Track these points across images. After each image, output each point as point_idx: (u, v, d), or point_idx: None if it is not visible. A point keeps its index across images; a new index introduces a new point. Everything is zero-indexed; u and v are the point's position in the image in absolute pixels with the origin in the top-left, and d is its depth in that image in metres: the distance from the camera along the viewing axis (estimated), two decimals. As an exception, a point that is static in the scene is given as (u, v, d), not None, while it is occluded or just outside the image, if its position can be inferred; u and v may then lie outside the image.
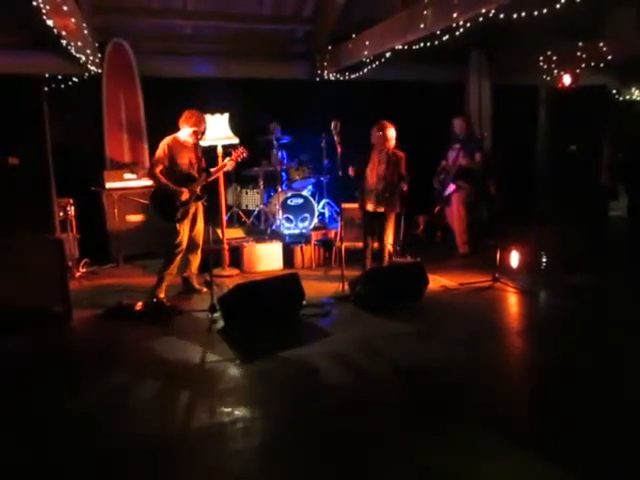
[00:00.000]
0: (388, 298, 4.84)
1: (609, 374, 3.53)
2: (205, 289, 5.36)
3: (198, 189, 5.10)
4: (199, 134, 5.13)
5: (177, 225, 5.04)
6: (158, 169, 4.93)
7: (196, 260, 5.41)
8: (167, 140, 5.04)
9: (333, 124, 5.15)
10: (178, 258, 5.16)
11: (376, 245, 5.64)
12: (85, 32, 5.56)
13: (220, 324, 4.48)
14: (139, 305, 4.78)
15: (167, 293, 5.20)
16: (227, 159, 5.33)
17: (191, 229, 5.23)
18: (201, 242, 5.34)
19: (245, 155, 5.35)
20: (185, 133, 5.07)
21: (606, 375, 3.52)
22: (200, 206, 5.24)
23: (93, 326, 4.56)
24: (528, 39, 7.22)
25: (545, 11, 4.60)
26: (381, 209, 5.49)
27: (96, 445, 2.84)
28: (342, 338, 4.22)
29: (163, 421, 3.03)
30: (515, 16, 4.82)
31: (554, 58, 7.64)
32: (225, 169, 5.39)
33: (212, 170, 5.27)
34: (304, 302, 4.74)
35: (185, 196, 4.99)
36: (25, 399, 3.36)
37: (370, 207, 5.51)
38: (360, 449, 2.76)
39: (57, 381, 3.59)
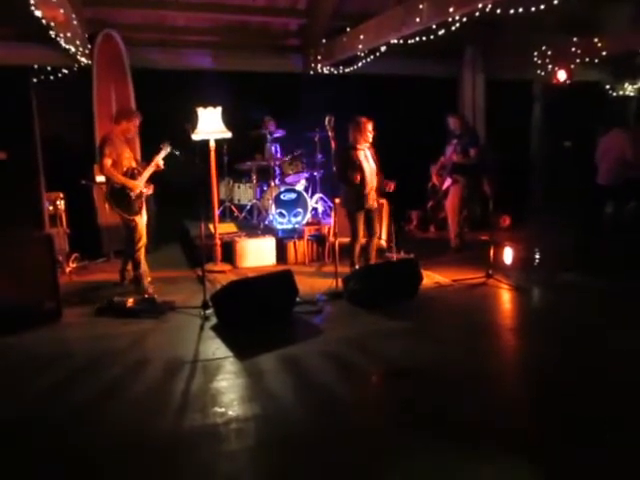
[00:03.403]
0: (382, 295, 4.81)
1: (605, 371, 3.53)
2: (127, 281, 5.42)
3: (145, 181, 5.16)
4: (133, 129, 5.23)
5: (136, 218, 5.11)
6: (109, 164, 4.97)
7: None
8: (108, 136, 5.10)
9: (327, 119, 5.08)
10: (142, 251, 5.22)
11: (364, 241, 5.59)
12: (75, 23, 5.45)
13: (213, 321, 4.44)
14: (130, 301, 4.72)
15: (154, 287, 5.19)
16: (156, 158, 5.18)
17: None
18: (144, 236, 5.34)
19: (168, 150, 5.17)
20: (122, 128, 5.15)
21: (603, 373, 3.52)
22: (143, 199, 5.26)
23: (84, 323, 4.50)
24: (522, 34, 7.20)
25: (542, 7, 4.56)
26: (375, 205, 5.48)
27: (86, 444, 2.80)
28: (336, 336, 4.19)
29: (155, 421, 2.99)
30: (512, 11, 4.78)
31: (549, 53, 7.62)
32: (157, 168, 5.21)
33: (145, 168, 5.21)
34: (298, 299, 4.70)
35: (139, 188, 5.09)
36: (16, 398, 3.30)
37: (371, 204, 5.45)
38: (354, 450, 2.73)
39: (47, 379, 3.53)
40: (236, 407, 3.11)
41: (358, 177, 5.24)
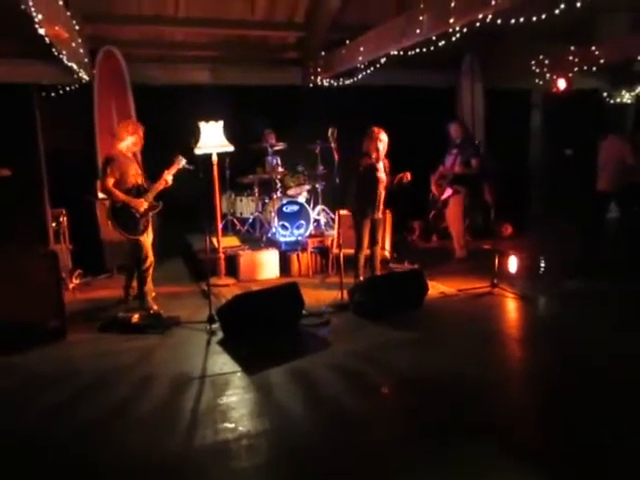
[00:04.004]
0: (388, 306, 4.80)
1: (612, 381, 3.50)
2: (131, 297, 5.37)
3: (152, 198, 5.04)
4: (140, 141, 5.06)
5: (140, 238, 4.98)
6: (110, 183, 4.83)
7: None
8: (111, 153, 4.97)
9: (330, 131, 5.09)
10: (150, 271, 5.11)
11: (368, 252, 5.58)
12: (77, 40, 5.48)
13: (219, 335, 4.41)
14: (136, 317, 4.69)
15: (159, 303, 5.16)
16: (166, 173, 5.04)
17: None
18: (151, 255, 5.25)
19: (182, 164, 5.04)
20: (127, 143, 5.00)
21: (609, 382, 3.49)
22: (150, 217, 5.15)
23: (89, 340, 4.46)
24: (520, 43, 7.24)
25: (544, 16, 4.58)
26: (380, 215, 5.48)
27: (93, 464, 2.76)
28: (343, 348, 4.17)
29: (165, 438, 2.96)
30: (513, 21, 4.80)
31: (546, 62, 7.67)
32: (165, 184, 5.05)
33: (152, 185, 5.07)
34: (304, 311, 4.68)
35: (144, 207, 4.95)
36: (21, 417, 3.27)
37: (377, 215, 5.45)
38: (365, 463, 2.71)
39: (52, 398, 3.49)
40: (246, 422, 3.09)
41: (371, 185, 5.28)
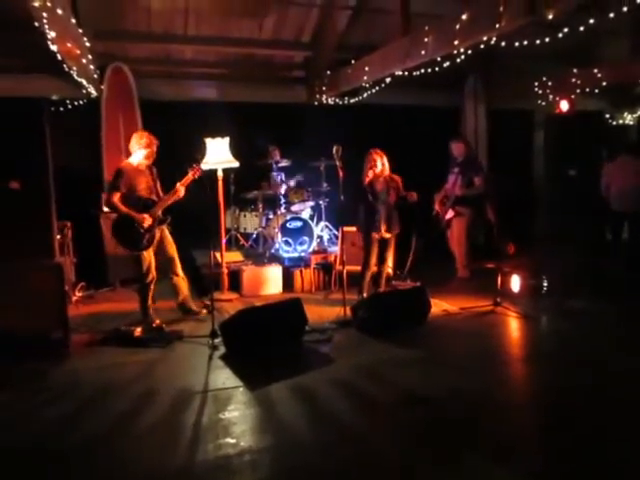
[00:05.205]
0: (391, 323, 4.80)
1: (616, 400, 3.49)
2: (205, 311, 5.30)
3: (160, 213, 5.01)
4: (152, 155, 5.00)
5: (143, 253, 4.95)
6: (116, 197, 4.81)
7: (182, 283, 5.33)
8: (121, 166, 4.94)
9: (335, 149, 5.13)
10: (152, 286, 5.09)
11: (375, 269, 5.60)
12: (89, 56, 5.58)
13: (221, 350, 4.41)
14: (138, 331, 4.69)
15: (161, 317, 5.13)
16: (178, 185, 5.01)
17: (163, 254, 5.16)
18: (179, 264, 5.25)
19: (197, 174, 4.98)
20: (138, 156, 4.96)
21: (614, 401, 3.47)
22: (165, 230, 5.15)
23: (91, 353, 4.46)
24: (523, 65, 7.34)
25: (547, 39, 4.66)
26: (388, 235, 5.51)
27: (96, 479, 2.75)
28: (346, 365, 4.16)
29: (165, 454, 2.94)
30: (517, 44, 4.88)
31: (549, 84, 7.75)
32: (177, 196, 5.00)
33: (164, 196, 5.05)
34: (307, 327, 4.68)
35: (148, 222, 4.90)
36: (22, 430, 3.26)
37: (383, 234, 5.48)
38: (364, 476, 2.71)
39: (53, 411, 3.48)
40: (248, 438, 3.07)
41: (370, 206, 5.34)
